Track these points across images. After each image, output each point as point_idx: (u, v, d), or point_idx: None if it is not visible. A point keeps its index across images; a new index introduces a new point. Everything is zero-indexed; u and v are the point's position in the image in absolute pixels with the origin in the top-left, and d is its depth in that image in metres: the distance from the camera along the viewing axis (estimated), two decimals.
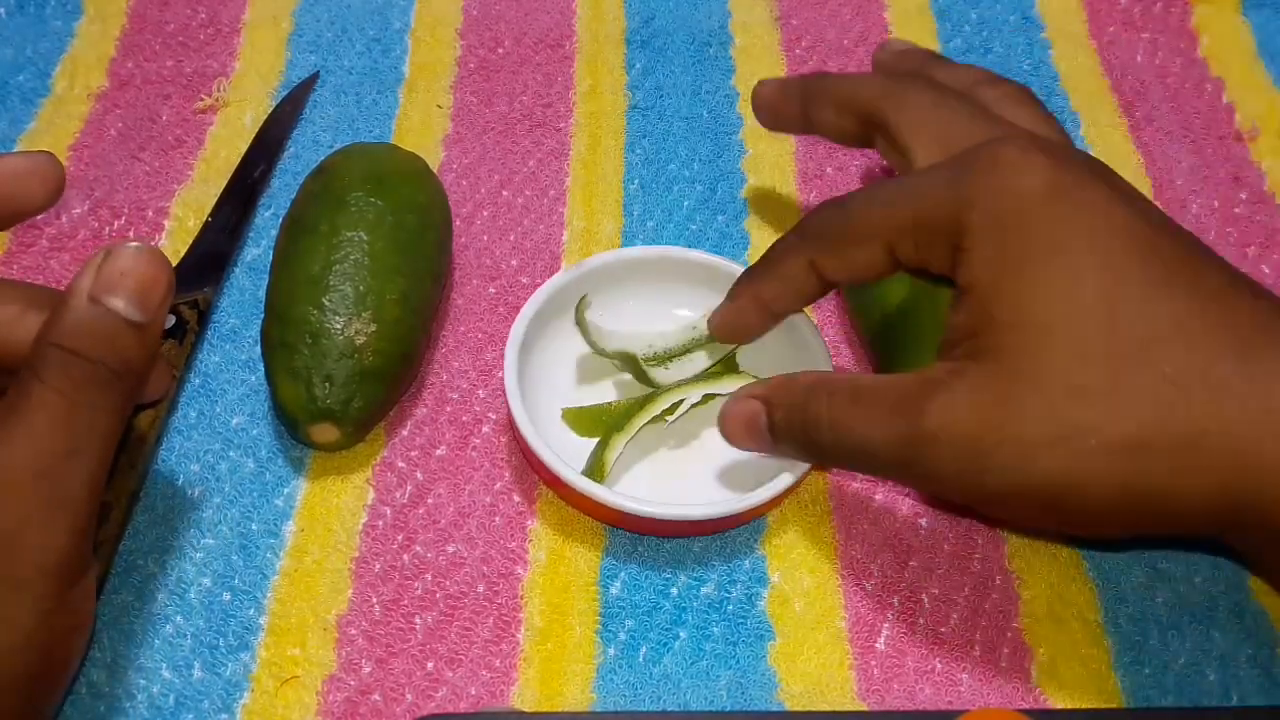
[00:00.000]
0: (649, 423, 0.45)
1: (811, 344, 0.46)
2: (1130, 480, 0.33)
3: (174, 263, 0.51)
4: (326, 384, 0.43)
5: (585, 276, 0.48)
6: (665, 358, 0.48)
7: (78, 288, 0.33)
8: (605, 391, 0.48)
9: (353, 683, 0.40)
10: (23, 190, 0.36)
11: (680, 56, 0.63)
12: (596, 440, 0.45)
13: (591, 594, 0.43)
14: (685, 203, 0.56)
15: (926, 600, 0.43)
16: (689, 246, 0.54)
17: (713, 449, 0.45)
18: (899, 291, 0.46)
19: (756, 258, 0.53)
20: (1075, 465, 0.33)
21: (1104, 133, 0.60)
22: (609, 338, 0.47)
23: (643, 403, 0.45)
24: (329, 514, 0.45)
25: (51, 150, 0.56)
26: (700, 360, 0.48)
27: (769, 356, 0.47)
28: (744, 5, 0.66)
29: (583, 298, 0.46)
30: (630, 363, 0.46)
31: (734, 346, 0.47)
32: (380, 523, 0.44)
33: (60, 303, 0.33)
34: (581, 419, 0.45)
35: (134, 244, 0.33)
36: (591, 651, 0.42)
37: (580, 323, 0.46)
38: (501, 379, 0.45)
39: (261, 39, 0.63)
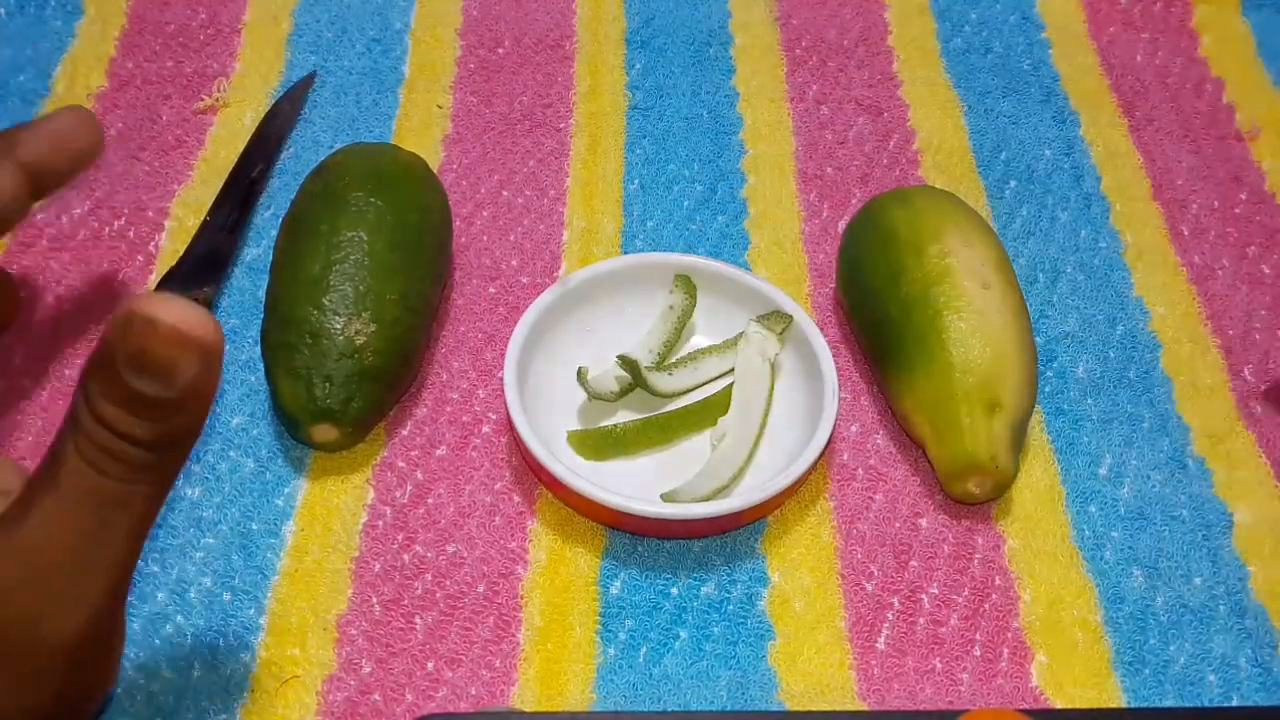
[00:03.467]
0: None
1: (816, 347, 0.47)
2: None
3: (174, 262, 0.51)
4: (326, 384, 0.43)
5: (585, 283, 0.48)
6: (667, 362, 0.48)
7: (108, 345, 0.28)
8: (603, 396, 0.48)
9: (353, 683, 0.40)
10: (78, 140, 0.36)
11: (680, 56, 0.63)
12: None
13: (591, 594, 0.43)
14: (685, 203, 0.56)
15: (926, 600, 0.43)
16: (689, 246, 0.54)
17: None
18: (898, 294, 0.46)
19: (757, 258, 0.54)
20: None
21: (1104, 133, 0.60)
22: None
23: (648, 432, 0.46)
24: (329, 514, 0.45)
25: None
26: (704, 369, 0.48)
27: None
28: (744, 5, 0.66)
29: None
30: (633, 371, 0.46)
31: (734, 350, 0.47)
32: (380, 523, 0.44)
33: (95, 354, 0.29)
34: (587, 442, 0.45)
35: (154, 308, 0.28)
36: (591, 651, 0.41)
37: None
38: (501, 379, 0.45)
39: (261, 39, 0.63)
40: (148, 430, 0.29)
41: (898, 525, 0.45)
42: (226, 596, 0.42)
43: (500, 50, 0.63)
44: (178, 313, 0.28)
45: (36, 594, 0.30)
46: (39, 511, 0.30)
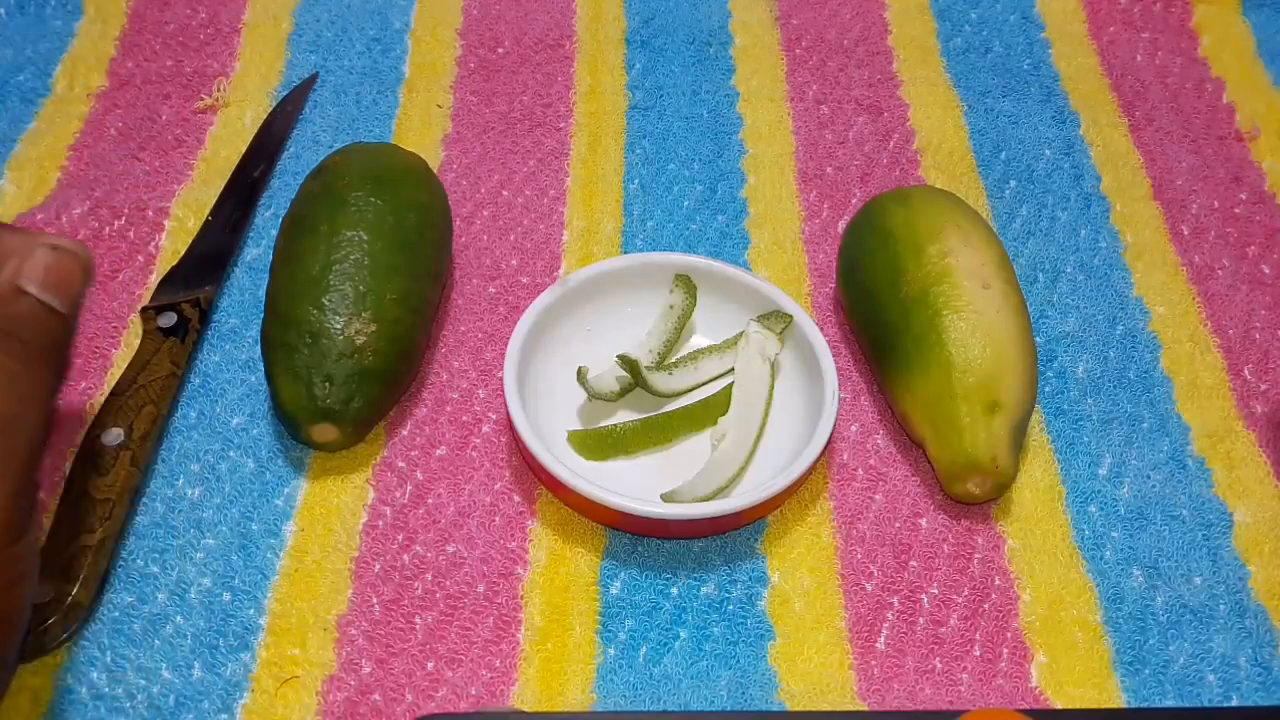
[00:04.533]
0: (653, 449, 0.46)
1: (816, 347, 0.47)
2: None
3: (174, 262, 0.51)
4: (326, 384, 0.43)
5: (585, 283, 0.48)
6: (667, 362, 0.48)
7: (4, 278, 0.35)
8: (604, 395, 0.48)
9: (353, 683, 0.40)
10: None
11: (680, 56, 0.63)
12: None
13: (591, 594, 0.43)
14: (685, 203, 0.56)
15: (926, 600, 0.43)
16: (689, 246, 0.54)
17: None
18: (898, 294, 0.46)
19: (757, 258, 0.54)
20: None
21: (1104, 133, 0.60)
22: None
23: (649, 432, 0.46)
24: (329, 514, 0.45)
25: (52, 150, 0.56)
26: (704, 368, 0.48)
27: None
28: (744, 5, 0.66)
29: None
30: (633, 371, 0.46)
31: (734, 350, 0.47)
32: (380, 523, 0.44)
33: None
34: (587, 442, 0.45)
35: (52, 240, 0.35)
36: (591, 651, 0.41)
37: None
38: (501, 379, 0.45)
39: (261, 39, 0.63)
40: (46, 336, 0.34)
41: (898, 525, 0.45)
42: (226, 597, 0.42)
43: (500, 50, 0.63)
44: (68, 251, 0.35)
45: None
46: None
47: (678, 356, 0.49)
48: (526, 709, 0.40)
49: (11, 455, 0.34)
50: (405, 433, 0.47)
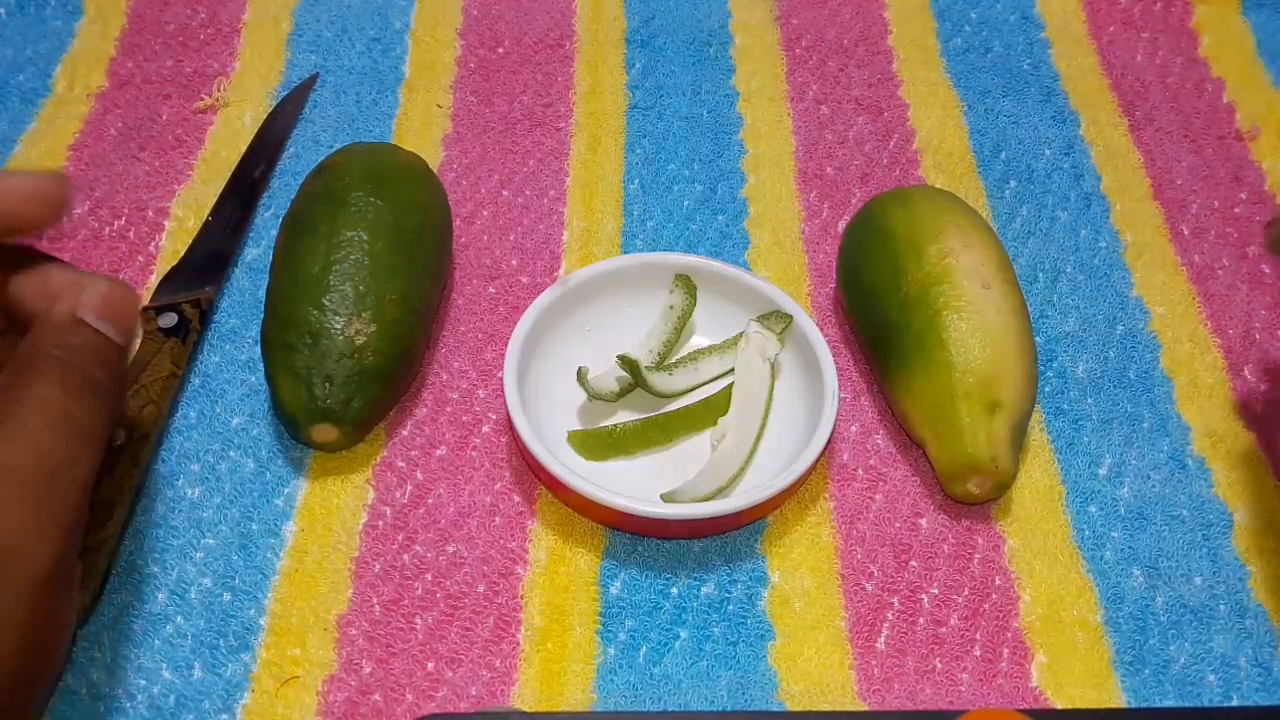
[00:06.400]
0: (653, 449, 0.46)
1: (816, 347, 0.47)
2: None
3: (174, 262, 0.51)
4: (326, 384, 0.43)
5: (585, 283, 0.48)
6: (667, 362, 0.48)
7: (62, 309, 0.35)
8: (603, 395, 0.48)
9: (353, 683, 0.40)
10: (20, 209, 0.36)
11: (680, 56, 0.63)
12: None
13: (592, 594, 0.43)
14: (685, 203, 0.56)
15: (926, 600, 0.43)
16: (689, 246, 0.54)
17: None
18: (898, 294, 0.46)
19: (757, 258, 0.54)
20: None
21: (1104, 133, 0.60)
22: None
23: (649, 432, 0.46)
24: (329, 514, 0.45)
25: (52, 150, 0.56)
26: (704, 369, 0.48)
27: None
28: (744, 5, 0.66)
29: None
30: (633, 371, 0.46)
31: (734, 350, 0.47)
32: (380, 523, 0.44)
33: (44, 320, 0.34)
34: (587, 442, 0.45)
35: (105, 278, 0.35)
36: (592, 651, 0.41)
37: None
38: (501, 379, 0.45)
39: (261, 39, 0.63)
40: (104, 369, 0.34)
41: (898, 525, 0.45)
42: (226, 597, 0.42)
43: (500, 50, 0.63)
44: (122, 286, 0.36)
45: (10, 519, 0.31)
46: (6, 434, 0.32)
47: (678, 357, 0.49)
48: (526, 709, 0.40)
49: (64, 496, 0.33)
50: (405, 433, 0.47)
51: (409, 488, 0.45)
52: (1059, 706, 0.41)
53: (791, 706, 0.40)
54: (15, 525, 0.32)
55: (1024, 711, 0.37)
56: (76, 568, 0.35)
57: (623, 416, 0.47)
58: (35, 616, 0.32)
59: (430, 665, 0.41)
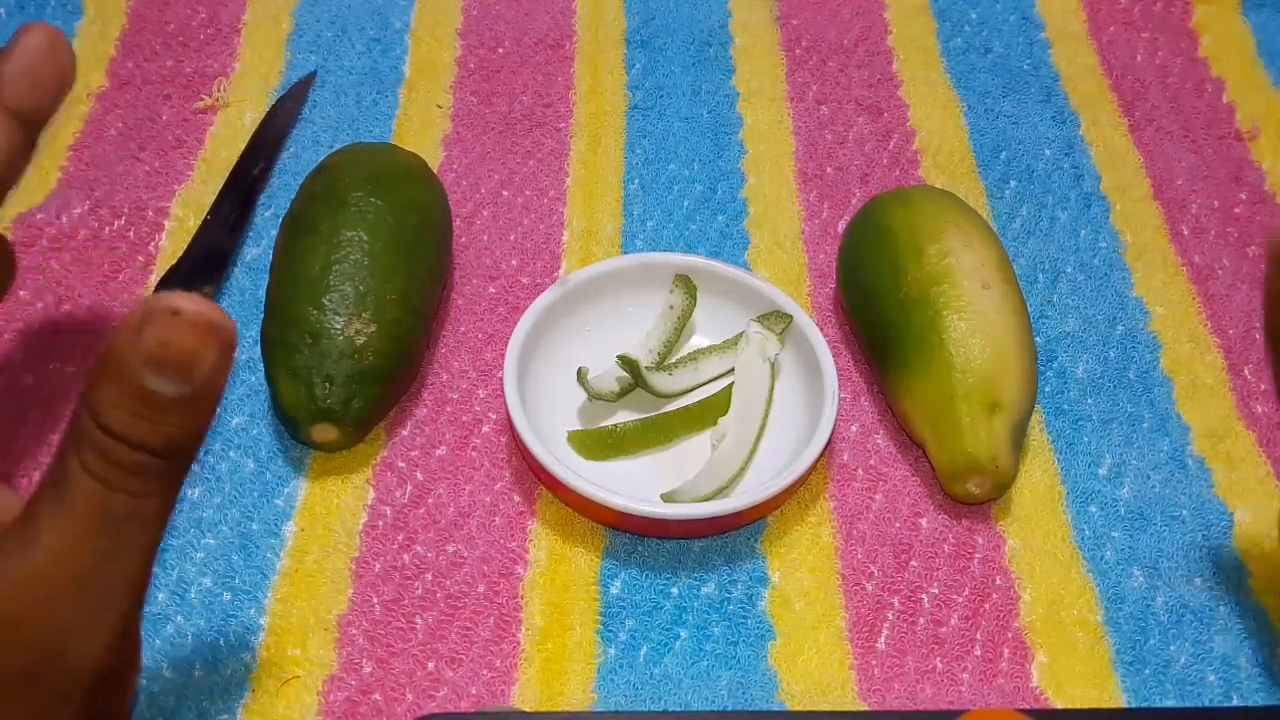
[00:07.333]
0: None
1: (816, 347, 0.47)
2: None
3: (173, 262, 0.51)
4: (326, 384, 0.43)
5: (585, 283, 0.48)
6: (667, 362, 0.48)
7: (119, 351, 0.28)
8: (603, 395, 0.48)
9: (353, 682, 0.40)
10: (56, 70, 0.32)
11: (680, 56, 0.63)
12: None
13: (592, 594, 0.43)
14: (685, 203, 0.56)
15: (926, 600, 0.43)
16: (689, 246, 0.54)
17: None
18: (898, 294, 0.46)
19: (757, 258, 0.54)
20: None
21: (1104, 133, 0.60)
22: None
23: (649, 432, 0.46)
24: (329, 514, 0.45)
25: (52, 150, 0.56)
26: (704, 369, 0.48)
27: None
28: (744, 5, 0.66)
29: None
30: (633, 371, 0.46)
31: (733, 352, 0.48)
32: (380, 523, 0.44)
33: (101, 363, 0.28)
34: (587, 442, 0.45)
35: (174, 300, 0.28)
36: (592, 651, 0.41)
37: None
38: (501, 379, 0.45)
39: (261, 39, 0.63)
40: (160, 436, 0.28)
41: (898, 525, 0.45)
42: (227, 596, 0.42)
43: (500, 50, 0.63)
44: (198, 303, 0.28)
45: (56, 620, 0.29)
46: (51, 535, 0.28)
47: (678, 357, 0.49)
48: (527, 709, 0.40)
49: (107, 598, 0.29)
50: (405, 433, 0.47)
51: (409, 488, 0.45)
52: (1059, 706, 0.41)
53: (792, 706, 0.40)
54: (53, 621, 0.29)
55: (1024, 711, 0.37)
56: (136, 644, 0.33)
57: (623, 416, 0.47)
58: (93, 697, 0.31)
59: (430, 665, 0.41)
